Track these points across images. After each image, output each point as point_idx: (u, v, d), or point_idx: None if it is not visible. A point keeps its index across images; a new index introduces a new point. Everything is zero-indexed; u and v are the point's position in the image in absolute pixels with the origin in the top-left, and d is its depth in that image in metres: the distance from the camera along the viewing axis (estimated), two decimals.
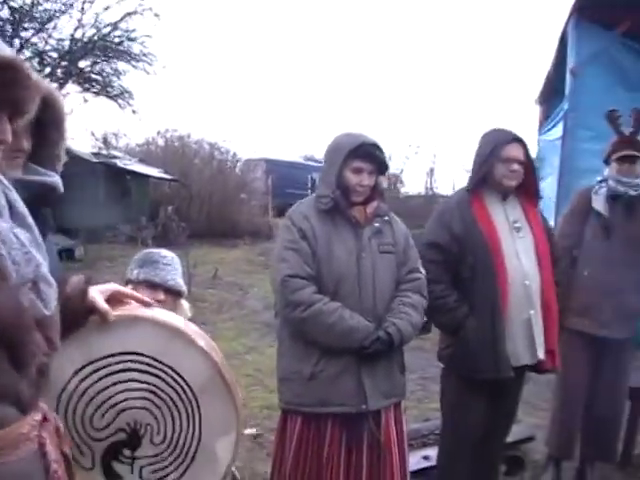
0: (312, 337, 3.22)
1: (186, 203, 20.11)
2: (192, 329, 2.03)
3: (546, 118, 12.21)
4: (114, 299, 1.96)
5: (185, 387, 1.94)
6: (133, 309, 1.98)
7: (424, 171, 21.62)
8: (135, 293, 2.08)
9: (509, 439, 4.35)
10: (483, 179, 3.83)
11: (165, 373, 1.93)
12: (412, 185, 25.52)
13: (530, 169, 3.89)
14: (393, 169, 20.36)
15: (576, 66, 9.82)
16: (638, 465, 5.04)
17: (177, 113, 56.43)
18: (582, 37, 9.90)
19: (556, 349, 3.88)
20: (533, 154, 13.80)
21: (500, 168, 3.77)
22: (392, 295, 3.36)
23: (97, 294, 1.89)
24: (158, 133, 23.99)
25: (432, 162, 21.54)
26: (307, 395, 3.23)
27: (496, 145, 3.77)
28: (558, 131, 10.46)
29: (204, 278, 13.01)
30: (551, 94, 11.81)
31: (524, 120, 15.52)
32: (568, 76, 10.00)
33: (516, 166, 3.77)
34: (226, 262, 15.24)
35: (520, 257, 3.75)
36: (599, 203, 4.54)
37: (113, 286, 1.97)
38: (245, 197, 21.68)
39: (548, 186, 11.06)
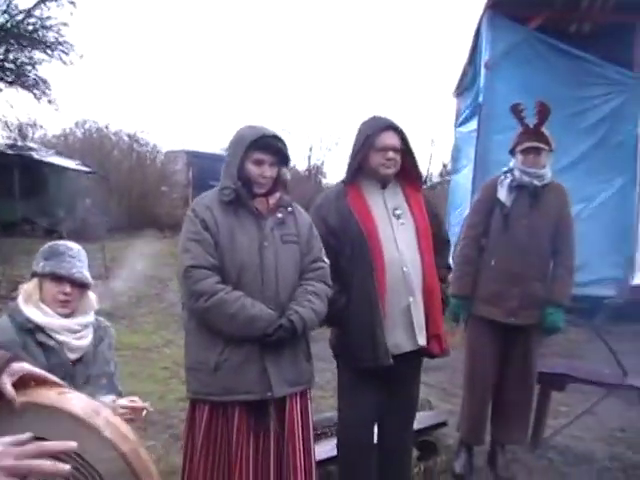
0: (215, 326, 3.23)
1: (105, 196, 19.77)
2: (103, 416, 1.93)
3: (462, 110, 12.45)
4: (24, 381, 1.89)
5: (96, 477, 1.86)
6: (42, 395, 1.91)
7: (345, 162, 21.71)
8: (47, 375, 2.00)
9: (422, 425, 4.44)
10: (360, 169, 3.84)
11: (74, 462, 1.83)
12: (334, 176, 25.65)
13: (409, 155, 3.89)
14: (314, 160, 20.42)
15: (490, 60, 10.06)
16: (547, 447, 5.20)
17: (95, 104, 55.09)
18: (496, 32, 10.15)
19: (442, 333, 3.90)
20: (450, 146, 14.07)
21: (375, 157, 3.78)
22: (295, 284, 3.38)
23: (6, 378, 1.82)
24: (76, 124, 23.53)
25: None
26: (213, 384, 3.24)
27: (370, 134, 3.77)
28: (473, 123, 10.70)
29: (123, 271, 12.82)
30: (467, 87, 12.06)
31: (443, 112, 15.81)
32: (483, 70, 10.23)
33: (391, 154, 3.77)
34: (146, 255, 15.05)
35: (399, 244, 3.77)
36: (503, 193, 4.68)
37: (24, 368, 1.90)
38: (166, 189, 21.46)
39: (464, 177, 11.34)
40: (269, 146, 3.31)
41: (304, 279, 3.40)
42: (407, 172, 3.91)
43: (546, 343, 6.52)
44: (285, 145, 3.41)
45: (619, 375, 5.28)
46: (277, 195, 3.42)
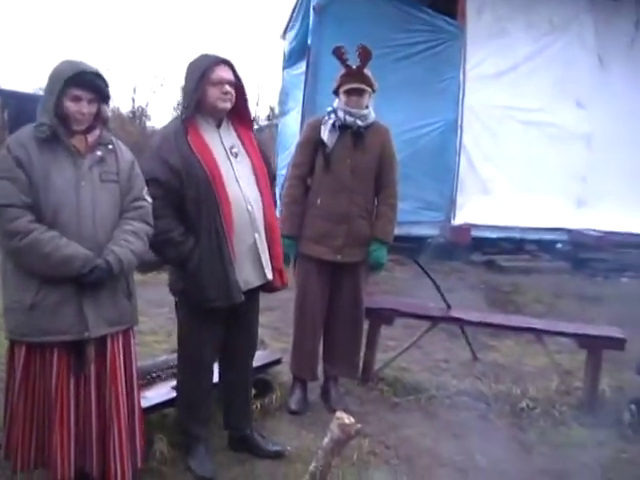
0: (30, 266, 3.14)
1: None
2: None
3: (290, 53, 12.42)
4: None
5: None
6: None
7: (171, 105, 21.15)
8: None
9: (257, 363, 4.48)
10: (196, 106, 3.79)
11: None
12: (159, 119, 24.92)
13: (241, 92, 3.89)
14: (139, 102, 19.75)
15: (319, 3, 10.04)
16: (377, 379, 5.41)
17: None
18: None
19: (283, 267, 4.04)
20: (278, 88, 14.06)
21: (212, 91, 3.74)
22: (115, 224, 3.32)
23: None
24: None
25: (178, 96, 21.10)
26: (30, 325, 3.15)
27: (205, 69, 3.73)
28: (302, 66, 10.71)
29: None
30: (296, 29, 12.02)
31: (270, 54, 15.73)
32: (312, 12, 10.20)
33: (228, 87, 3.76)
34: None
35: (240, 182, 3.80)
36: (326, 133, 4.74)
37: None
38: None
39: (292, 119, 11.38)
40: (88, 82, 3.20)
41: (124, 218, 3.34)
42: (238, 111, 3.91)
43: (374, 281, 6.76)
44: (105, 82, 3.30)
45: (443, 309, 5.57)
46: (96, 133, 3.32)
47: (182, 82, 3.88)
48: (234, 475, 4.00)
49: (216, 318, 3.87)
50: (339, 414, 2.36)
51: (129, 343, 3.46)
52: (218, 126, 3.85)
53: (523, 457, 4.51)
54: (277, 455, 4.20)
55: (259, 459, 4.16)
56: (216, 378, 4.20)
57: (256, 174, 3.89)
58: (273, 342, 5.75)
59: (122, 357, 3.40)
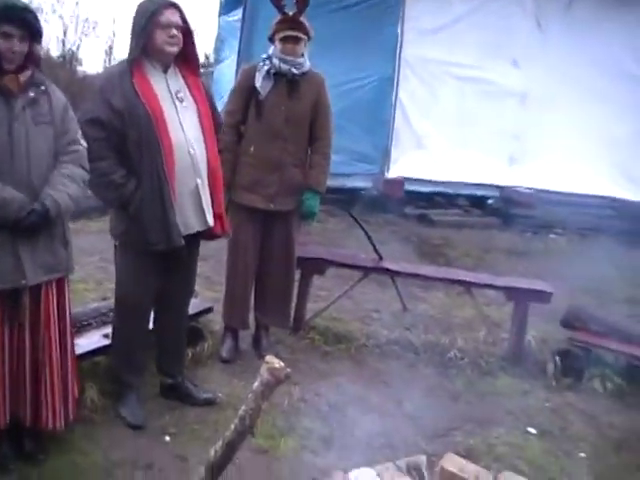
0: None
1: None
2: None
3: None
4: None
5: None
6: None
7: (103, 49, 20.49)
8: None
9: (188, 311, 4.46)
10: (144, 49, 3.72)
11: None
12: (91, 63, 24.14)
13: (189, 37, 3.84)
14: (69, 45, 19.05)
15: None
16: (309, 329, 5.46)
17: None
18: None
19: (224, 214, 4.04)
20: (213, 35, 13.77)
21: (160, 35, 3.68)
22: (50, 167, 3.25)
23: None
24: None
25: (111, 40, 20.42)
26: None
27: (154, 11, 3.66)
28: (238, 13, 10.50)
29: None
30: None
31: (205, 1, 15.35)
32: None
33: (175, 31, 3.70)
34: None
35: (184, 127, 3.77)
36: (259, 81, 4.69)
37: None
38: None
39: (228, 67, 11.17)
40: (18, 18, 3.09)
41: (59, 162, 3.27)
42: (186, 56, 3.86)
43: (307, 232, 6.77)
44: (36, 17, 3.21)
45: (375, 259, 5.61)
46: (28, 73, 3.21)
47: (129, 23, 3.77)
48: (164, 423, 4.01)
49: (156, 262, 3.85)
50: (269, 358, 2.36)
51: (63, 291, 3.42)
52: (165, 71, 3.80)
53: (450, 405, 4.63)
54: (208, 402, 4.24)
55: (190, 406, 4.19)
56: (150, 324, 4.19)
57: (201, 120, 3.86)
58: (205, 291, 5.72)
59: (56, 305, 3.36)
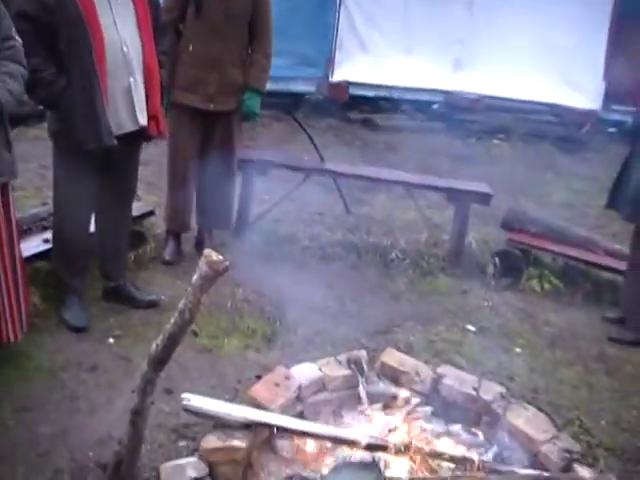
0: None
1: None
2: None
3: None
4: None
5: None
6: None
7: None
8: None
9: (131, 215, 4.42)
10: None
11: None
12: None
13: None
14: None
15: None
16: (252, 231, 5.45)
17: None
18: None
19: (160, 115, 3.95)
20: None
21: None
22: None
23: None
24: None
25: None
26: None
27: None
28: None
29: None
30: None
31: None
32: None
33: None
34: None
35: (118, 24, 3.66)
36: None
37: None
38: None
39: None
40: None
41: None
42: None
43: (250, 136, 6.71)
44: None
45: (317, 161, 5.59)
46: None
47: None
48: (108, 325, 4.02)
49: (92, 164, 3.76)
50: (207, 252, 2.34)
51: (8, 197, 3.33)
52: None
53: (391, 304, 4.73)
54: (151, 304, 4.24)
55: (133, 309, 4.20)
56: (92, 228, 4.13)
57: (138, 17, 3.74)
58: (147, 196, 5.64)
59: (2, 211, 3.28)
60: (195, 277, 2.32)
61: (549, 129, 10.12)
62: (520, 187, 7.09)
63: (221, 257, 2.33)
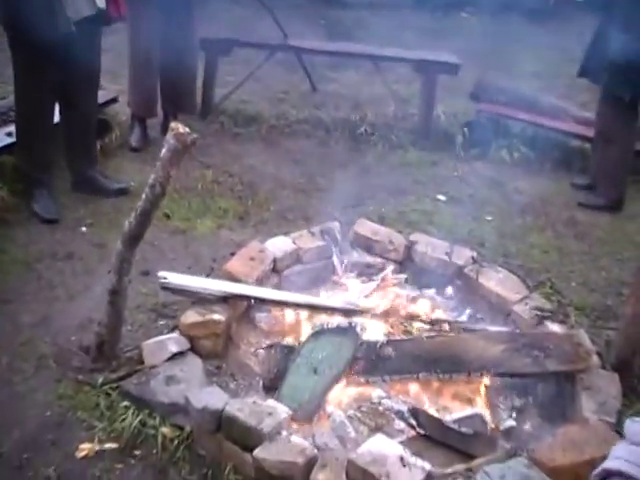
0: None
1: None
2: None
3: None
4: None
5: None
6: None
7: None
8: None
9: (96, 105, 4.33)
10: None
11: None
12: None
13: None
14: None
15: None
16: (218, 113, 5.38)
17: None
18: None
19: None
20: None
21: None
22: None
23: None
24: None
25: None
26: None
27: None
28: None
29: None
30: None
31: None
32: None
33: None
34: None
35: None
36: None
37: None
38: None
39: None
40: None
41: None
42: None
43: (210, 17, 6.49)
44: None
45: (281, 37, 5.46)
46: None
47: None
48: (80, 215, 4.00)
49: (51, 52, 3.61)
50: (173, 125, 2.31)
51: None
52: None
53: (361, 178, 4.72)
54: (121, 192, 4.20)
55: (104, 198, 4.16)
56: (57, 119, 4.05)
57: None
58: (109, 84, 5.49)
59: None
60: (163, 151, 2.30)
61: (517, 0, 9.90)
62: (489, 59, 7.00)
63: (188, 129, 2.30)
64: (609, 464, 1.18)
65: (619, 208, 4.58)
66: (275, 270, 3.25)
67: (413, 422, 2.50)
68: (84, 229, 3.88)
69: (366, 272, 3.37)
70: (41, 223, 3.86)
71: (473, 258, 3.41)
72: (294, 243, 3.36)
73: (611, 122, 4.51)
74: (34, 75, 3.71)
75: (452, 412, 2.62)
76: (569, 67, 5.29)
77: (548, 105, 5.38)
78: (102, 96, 4.82)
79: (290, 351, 2.78)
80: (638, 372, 2.90)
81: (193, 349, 2.77)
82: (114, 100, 4.93)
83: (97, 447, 2.44)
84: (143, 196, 2.43)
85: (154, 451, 2.43)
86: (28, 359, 2.84)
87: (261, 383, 2.76)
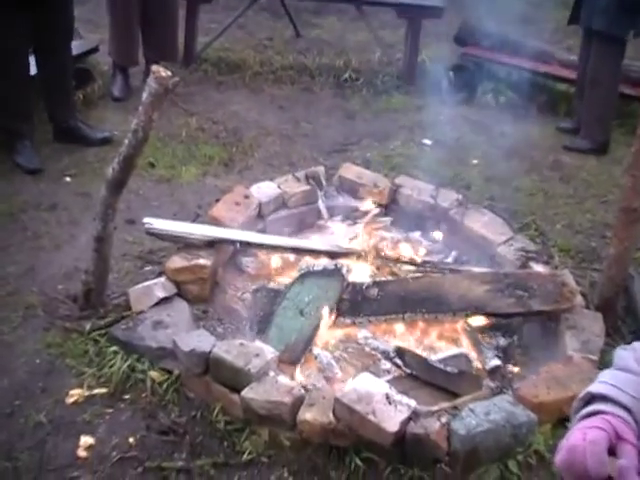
0: None
1: None
2: None
3: None
4: None
5: None
6: None
7: None
8: None
9: (73, 53, 4.25)
10: None
11: None
12: None
13: None
14: None
15: None
16: (201, 61, 5.31)
17: None
18: None
19: None
20: None
21: None
22: None
23: None
24: None
25: None
26: None
27: None
28: None
29: None
30: None
31: None
32: None
33: None
34: None
35: None
36: None
37: None
38: None
39: None
40: None
41: None
42: None
43: None
44: None
45: None
46: None
47: None
48: (64, 165, 3.96)
49: (19, 3, 3.56)
50: (155, 68, 2.28)
51: None
52: None
53: (346, 123, 4.70)
54: (105, 141, 4.17)
55: (87, 148, 4.12)
56: (35, 71, 3.98)
57: None
58: (88, 34, 5.42)
59: None
60: (145, 95, 2.27)
61: None
62: (474, 3, 6.91)
63: (169, 73, 2.27)
64: (593, 387, 1.20)
65: (604, 151, 4.58)
66: (260, 215, 3.24)
67: (399, 362, 2.52)
68: (68, 179, 3.85)
69: (352, 216, 3.36)
70: (25, 174, 3.82)
71: (458, 200, 3.40)
72: (279, 188, 3.34)
73: (598, 65, 4.48)
74: (3, 19, 3.62)
75: (438, 352, 2.64)
76: (557, 12, 5.23)
77: (533, 49, 5.33)
78: (82, 46, 4.77)
79: (276, 294, 2.79)
80: (621, 312, 2.94)
81: (180, 294, 2.78)
82: (95, 49, 4.86)
83: (87, 393, 2.45)
84: (126, 141, 2.41)
85: (143, 395, 2.44)
86: (16, 309, 2.84)
87: (248, 326, 2.78)
